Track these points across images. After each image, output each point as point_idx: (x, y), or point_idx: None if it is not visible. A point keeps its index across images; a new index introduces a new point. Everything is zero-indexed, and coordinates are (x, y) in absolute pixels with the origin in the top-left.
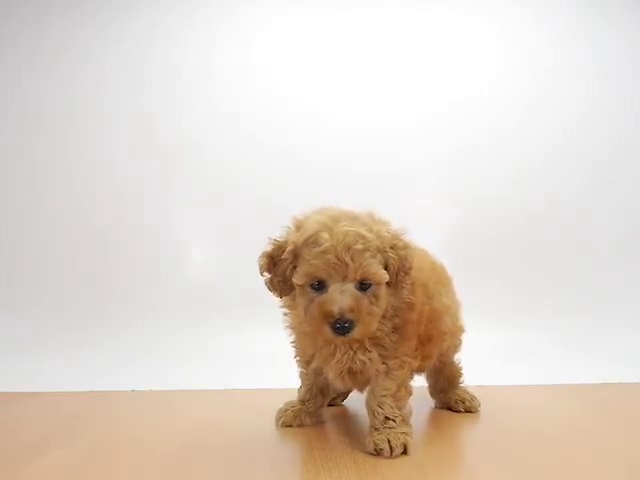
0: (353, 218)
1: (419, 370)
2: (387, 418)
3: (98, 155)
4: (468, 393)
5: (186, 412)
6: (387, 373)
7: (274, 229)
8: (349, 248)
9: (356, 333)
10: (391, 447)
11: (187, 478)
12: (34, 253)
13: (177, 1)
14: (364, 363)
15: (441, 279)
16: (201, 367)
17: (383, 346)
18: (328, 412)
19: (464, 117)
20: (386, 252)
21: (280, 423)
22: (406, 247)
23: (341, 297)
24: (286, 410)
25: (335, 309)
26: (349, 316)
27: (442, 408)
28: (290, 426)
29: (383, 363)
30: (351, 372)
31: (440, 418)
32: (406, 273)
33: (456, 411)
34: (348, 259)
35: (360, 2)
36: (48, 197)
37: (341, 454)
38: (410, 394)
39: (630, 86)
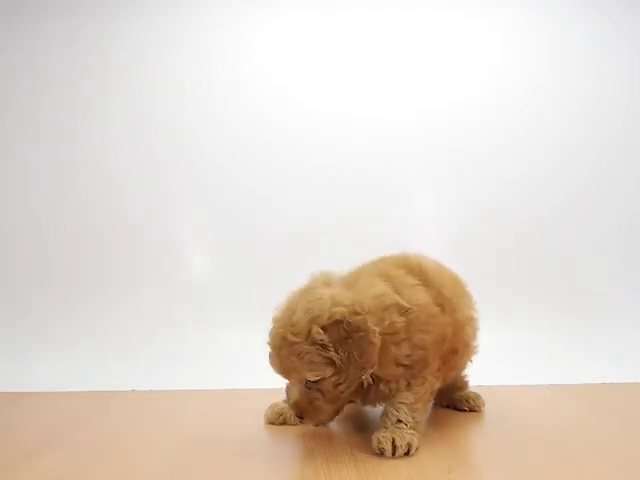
0: (293, 310)
1: (443, 381)
2: (399, 420)
3: (97, 155)
4: (472, 392)
5: (186, 412)
6: (408, 387)
7: (274, 229)
8: (278, 352)
9: (309, 422)
10: (395, 446)
11: (187, 478)
12: (33, 253)
13: (176, 1)
14: (385, 392)
15: (462, 291)
16: (201, 367)
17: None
18: None
19: (465, 118)
20: (326, 347)
21: (265, 420)
22: (358, 330)
23: (292, 393)
24: (274, 407)
25: (289, 403)
26: (296, 411)
27: (446, 407)
28: (272, 424)
29: (405, 380)
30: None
31: (440, 418)
32: (363, 353)
33: (460, 410)
34: (278, 364)
35: (361, 3)
36: (48, 197)
37: (341, 454)
38: (426, 412)
39: (632, 87)
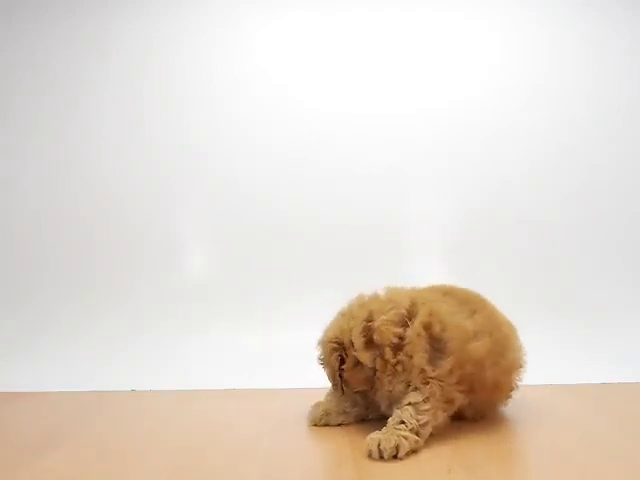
0: None
1: (474, 411)
2: (402, 422)
3: (97, 155)
4: None
5: (186, 412)
6: (415, 390)
7: (274, 229)
8: None
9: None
10: (380, 450)
11: (187, 478)
12: (33, 253)
13: (176, 1)
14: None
15: (518, 338)
16: (201, 367)
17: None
18: None
19: (465, 118)
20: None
21: (309, 421)
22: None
23: None
24: (318, 406)
25: None
26: None
27: None
28: (315, 425)
29: (405, 383)
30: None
31: None
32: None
33: None
34: None
35: (361, 3)
36: (48, 197)
37: (341, 454)
38: (436, 417)
39: (632, 87)
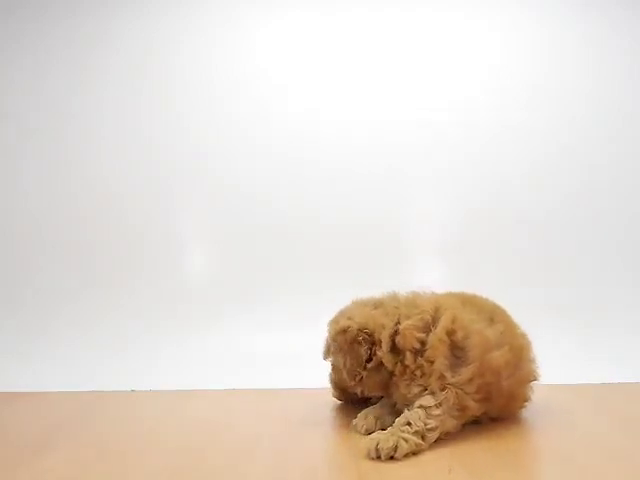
0: None
1: (488, 420)
2: (408, 423)
3: (97, 155)
4: None
5: (186, 412)
6: (430, 393)
7: (274, 229)
8: None
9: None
10: (377, 450)
11: (186, 478)
12: (33, 253)
13: (176, 1)
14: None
15: (532, 353)
16: (201, 367)
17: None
18: (330, 410)
19: (465, 118)
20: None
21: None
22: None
23: None
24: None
25: None
26: None
27: None
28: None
29: (420, 386)
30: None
31: None
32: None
33: None
34: None
35: (361, 3)
36: (48, 197)
37: (342, 454)
38: (445, 423)
39: (632, 87)
